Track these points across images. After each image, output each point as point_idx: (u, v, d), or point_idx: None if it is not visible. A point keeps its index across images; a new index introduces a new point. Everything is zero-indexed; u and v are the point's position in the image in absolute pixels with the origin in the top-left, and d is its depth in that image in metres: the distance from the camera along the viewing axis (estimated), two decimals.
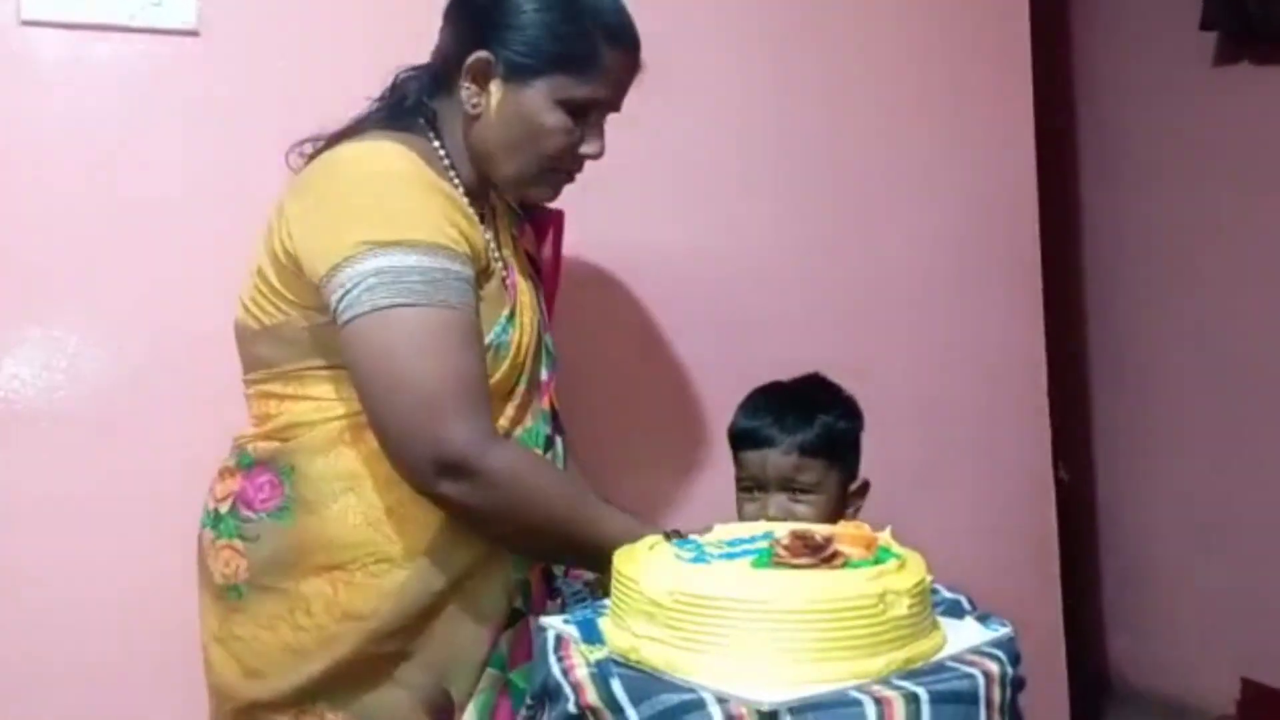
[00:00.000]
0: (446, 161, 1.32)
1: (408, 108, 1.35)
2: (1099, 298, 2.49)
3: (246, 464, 1.30)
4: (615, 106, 1.33)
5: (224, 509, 1.30)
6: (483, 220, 1.33)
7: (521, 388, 1.31)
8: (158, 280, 1.61)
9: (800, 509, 1.33)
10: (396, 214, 1.20)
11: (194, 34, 1.63)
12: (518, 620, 1.29)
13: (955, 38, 2.10)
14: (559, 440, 1.39)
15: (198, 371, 1.61)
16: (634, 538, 1.14)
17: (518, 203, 1.40)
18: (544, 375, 1.37)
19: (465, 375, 1.18)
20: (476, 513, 1.21)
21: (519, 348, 1.30)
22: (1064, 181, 2.47)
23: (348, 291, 1.16)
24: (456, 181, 1.31)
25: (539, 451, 1.31)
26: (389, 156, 1.24)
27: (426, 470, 1.17)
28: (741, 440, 1.39)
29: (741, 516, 1.34)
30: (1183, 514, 2.34)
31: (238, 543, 1.28)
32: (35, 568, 1.57)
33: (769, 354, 1.91)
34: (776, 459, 1.35)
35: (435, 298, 1.17)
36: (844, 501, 1.39)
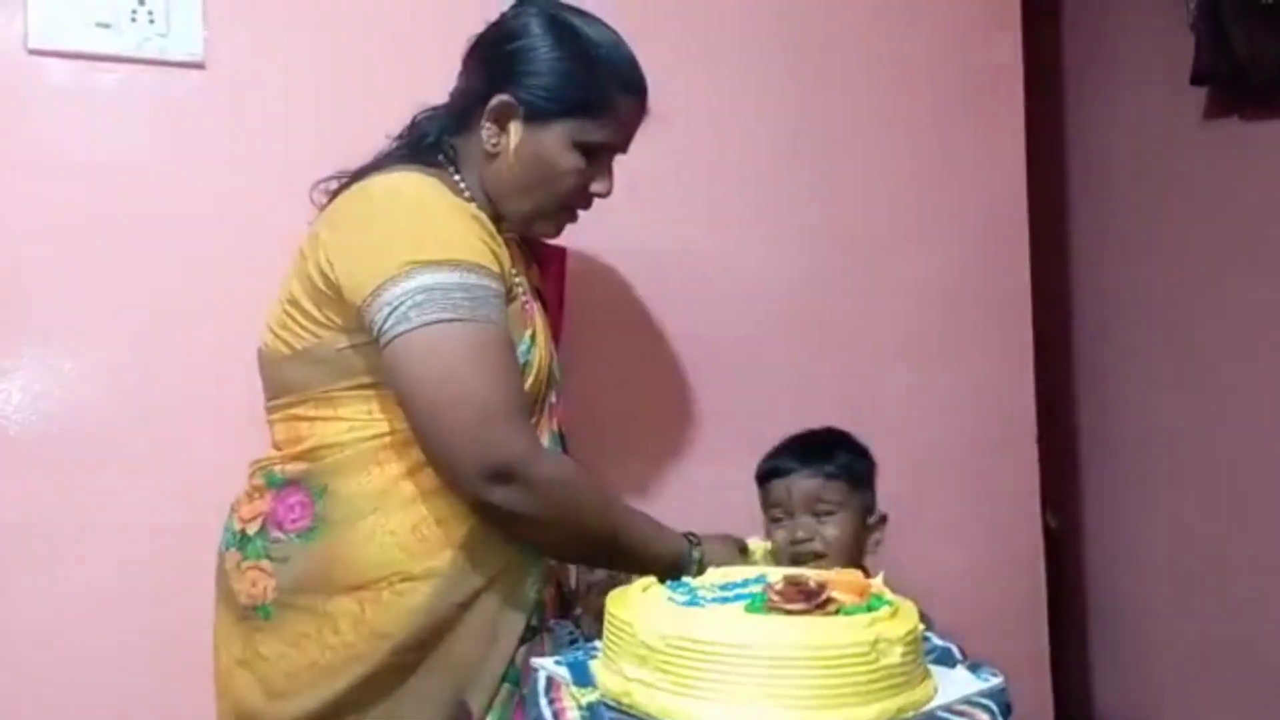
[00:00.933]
0: (467, 194, 1.39)
1: (428, 145, 1.42)
2: (1089, 345, 2.51)
3: (276, 484, 1.32)
4: (624, 149, 1.43)
5: (252, 530, 1.32)
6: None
7: (538, 408, 1.37)
8: (157, 307, 1.62)
9: (827, 528, 1.46)
10: (435, 235, 1.26)
11: (200, 66, 1.65)
12: (534, 637, 1.33)
13: (949, 89, 2.13)
14: None
15: (195, 397, 1.62)
16: (662, 544, 1.33)
17: (524, 235, 1.46)
18: (553, 399, 1.42)
19: (512, 387, 1.26)
20: (526, 518, 1.25)
21: (539, 369, 1.36)
22: (1055, 230, 2.49)
23: (395, 309, 1.21)
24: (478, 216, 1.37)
25: (577, 463, 1.37)
26: (420, 184, 1.32)
27: (478, 477, 1.22)
28: (768, 475, 1.53)
29: (772, 539, 1.48)
30: (1173, 561, 2.34)
31: (265, 563, 1.31)
32: (30, 592, 1.56)
33: (759, 395, 1.93)
34: (801, 482, 1.48)
35: (479, 313, 1.23)
36: (865, 530, 1.51)
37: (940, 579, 2.06)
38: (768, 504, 1.52)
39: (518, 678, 1.30)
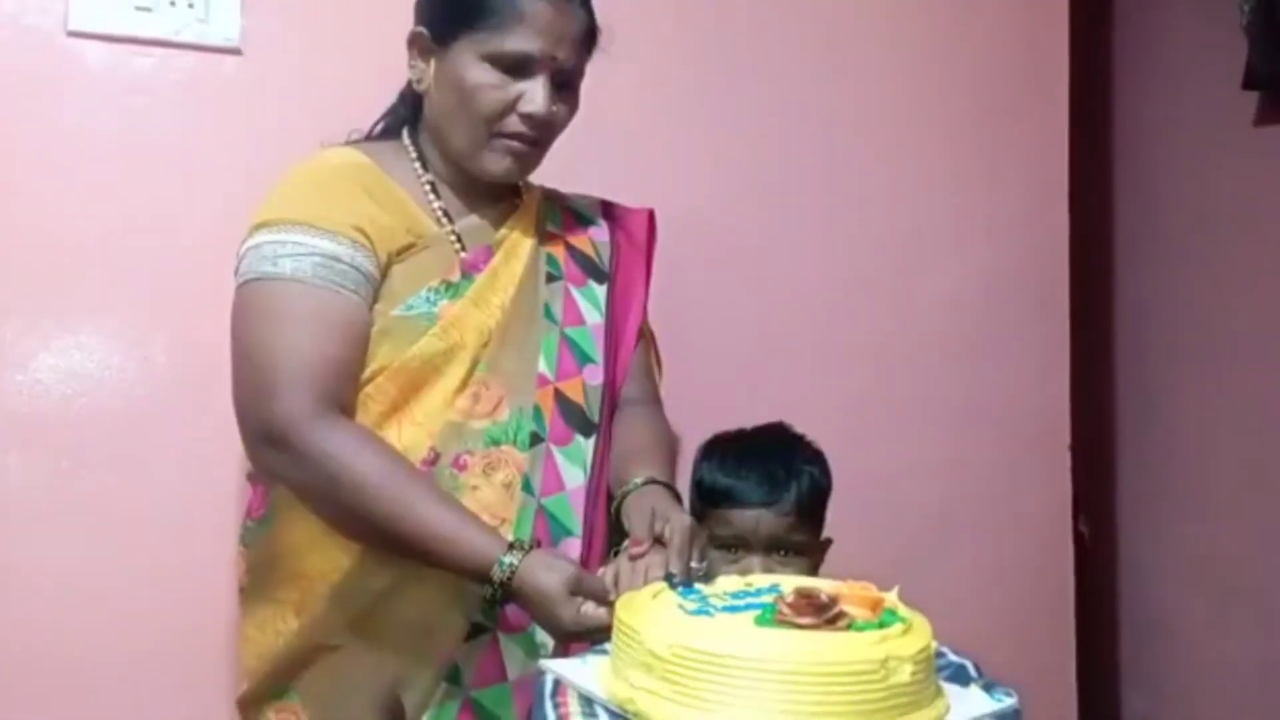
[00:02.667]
0: (415, 157, 1.36)
1: (401, 116, 1.42)
2: (1128, 352, 2.46)
3: (250, 473, 1.37)
4: (561, 63, 1.30)
5: (246, 517, 1.37)
6: (460, 206, 1.36)
7: (478, 374, 1.30)
8: (189, 291, 1.63)
9: (786, 571, 1.26)
10: (288, 199, 1.27)
11: (237, 52, 1.66)
12: (480, 635, 1.28)
13: (993, 89, 2.10)
14: (552, 445, 1.34)
15: (223, 381, 1.62)
16: (461, 541, 1.17)
17: (484, 179, 1.35)
18: (542, 368, 1.35)
19: (304, 350, 1.21)
20: (294, 488, 1.25)
21: (458, 323, 1.29)
22: (1098, 236, 2.45)
23: (236, 270, 1.27)
24: (424, 175, 1.35)
25: (378, 439, 1.25)
26: (321, 159, 1.33)
27: (251, 439, 1.23)
28: (723, 499, 1.32)
29: (712, 567, 1.23)
30: (1206, 573, 2.30)
31: (242, 549, 1.36)
32: (56, 572, 1.58)
33: (790, 393, 1.91)
34: (770, 519, 1.30)
35: (302, 272, 1.22)
36: (819, 562, 1.35)
37: (969, 584, 2.05)
38: (718, 530, 1.31)
39: (460, 677, 1.27)
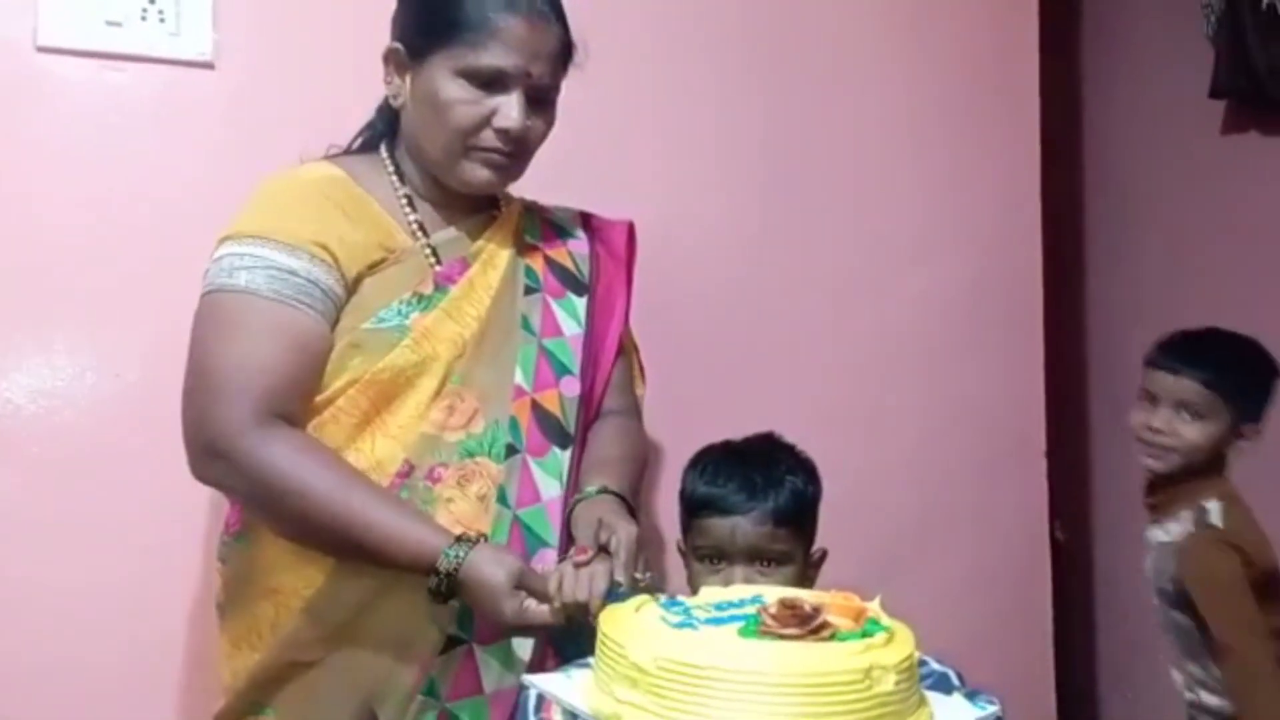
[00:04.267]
0: (392, 170, 1.37)
1: (379, 130, 1.42)
2: (1101, 358, 2.49)
3: None
4: (536, 79, 1.30)
5: (224, 532, 1.36)
6: (436, 219, 1.36)
7: (452, 386, 1.30)
8: (160, 307, 1.59)
9: (767, 582, 1.24)
10: (259, 214, 1.27)
11: (209, 66, 1.65)
12: (455, 647, 1.27)
13: (964, 99, 2.11)
14: (528, 457, 1.32)
15: None
16: (408, 535, 1.18)
17: (463, 191, 1.35)
18: (519, 380, 1.34)
19: (250, 361, 1.21)
20: (236, 498, 1.27)
21: (430, 335, 1.29)
22: (1070, 244, 2.47)
23: (203, 280, 1.27)
24: (400, 189, 1.35)
25: (318, 445, 1.25)
26: (294, 173, 1.34)
27: (191, 448, 1.23)
28: (703, 507, 1.31)
29: (698, 588, 1.24)
30: None
31: (219, 565, 1.36)
32: (28, 589, 1.56)
33: (768, 402, 1.92)
34: (747, 528, 1.27)
35: (256, 285, 1.22)
36: (807, 572, 1.33)
37: (947, 591, 2.05)
38: (699, 540, 1.30)
39: (436, 690, 1.26)
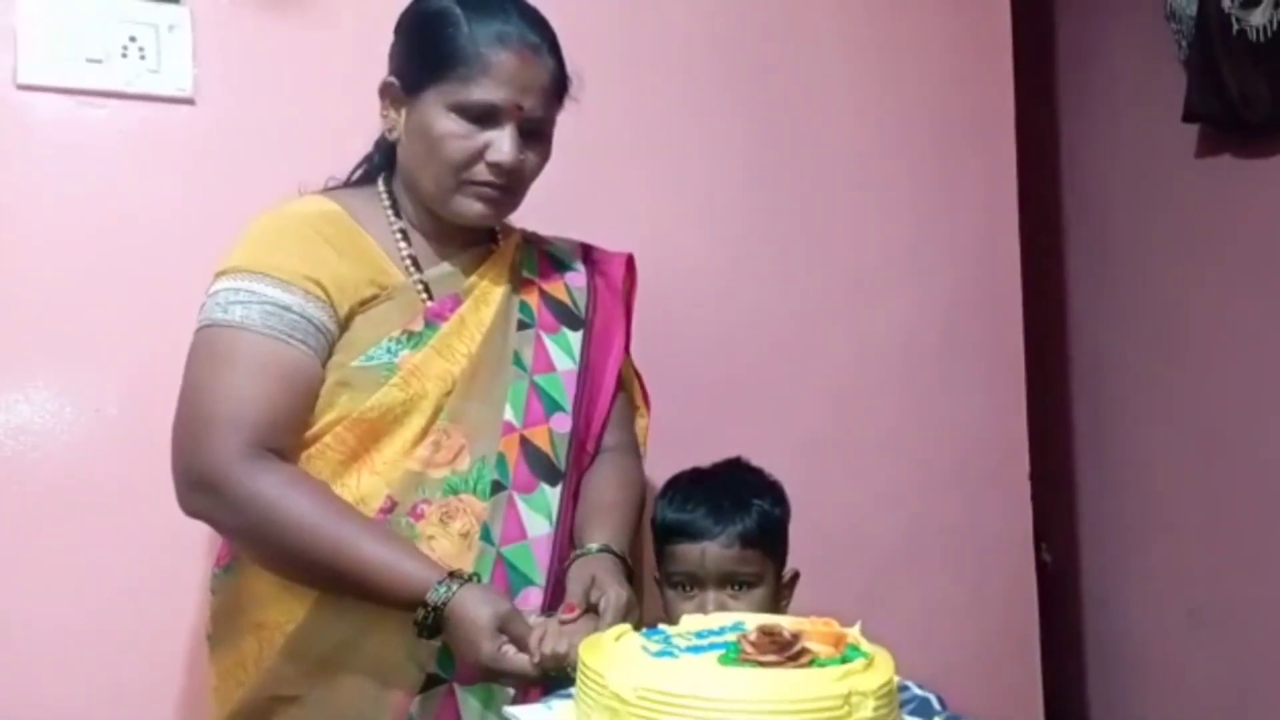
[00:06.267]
0: (388, 204, 1.37)
1: (377, 163, 1.43)
2: (1083, 379, 2.50)
3: None
4: (528, 112, 1.30)
5: (215, 565, 1.36)
6: (431, 253, 1.36)
7: (439, 423, 1.30)
8: (140, 343, 1.61)
9: (739, 605, 1.27)
10: (253, 248, 1.28)
11: (189, 101, 1.66)
12: (435, 686, 1.26)
13: (941, 122, 2.14)
14: (515, 494, 1.32)
15: None
16: (397, 569, 1.18)
17: (458, 224, 1.36)
18: (508, 416, 1.34)
19: (241, 396, 1.22)
20: (226, 532, 1.27)
21: (419, 373, 1.29)
22: (1050, 265, 2.49)
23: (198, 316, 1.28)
24: (396, 222, 1.36)
25: (307, 478, 1.24)
26: (288, 208, 1.33)
27: (180, 482, 1.23)
28: (673, 534, 1.33)
29: (674, 616, 1.24)
30: (1170, 598, 2.32)
31: (209, 596, 1.35)
32: (10, 626, 1.55)
33: (750, 428, 1.92)
34: (716, 552, 1.29)
35: (250, 320, 1.23)
36: (778, 594, 1.34)
37: (932, 615, 2.05)
38: (671, 567, 1.32)
39: None
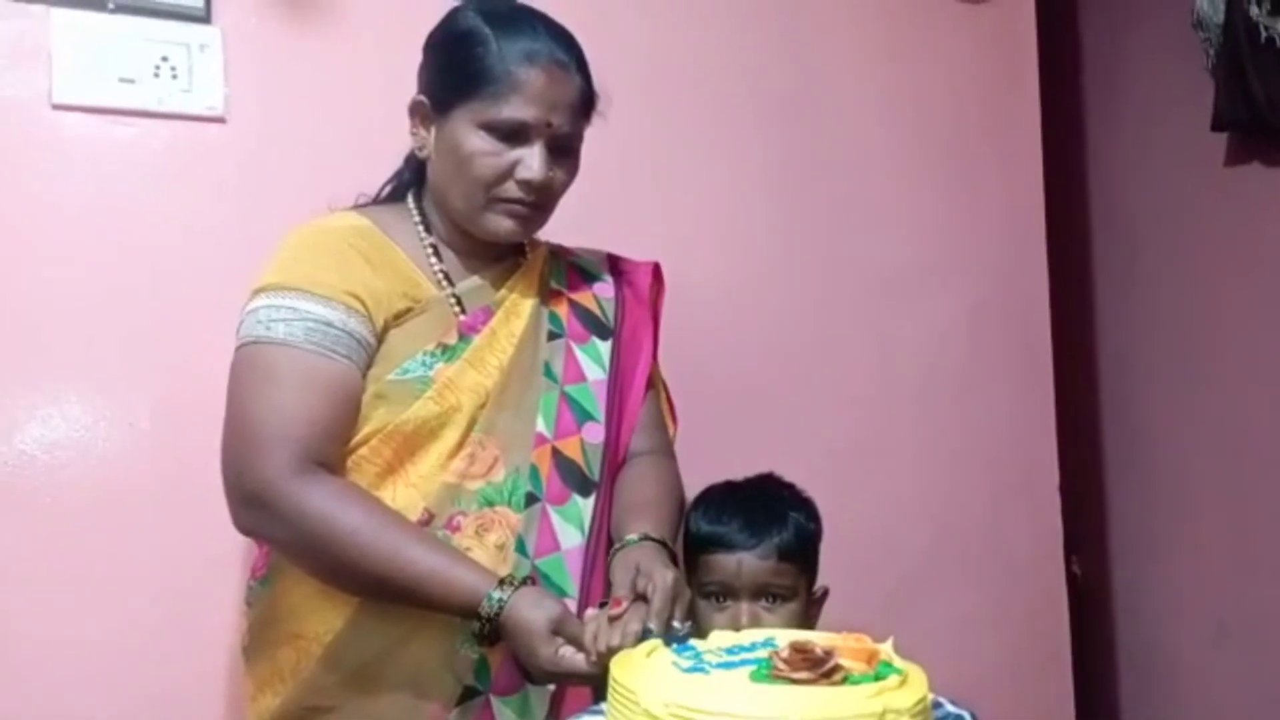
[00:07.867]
0: (418, 220, 1.38)
1: (406, 180, 1.44)
2: (1112, 390, 2.48)
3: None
4: (557, 129, 1.31)
5: (250, 577, 1.37)
6: (461, 268, 1.37)
7: (474, 435, 1.30)
8: (172, 358, 1.63)
9: (772, 618, 1.27)
10: (286, 264, 1.29)
11: (221, 120, 1.67)
12: (472, 698, 1.27)
13: (967, 129, 2.14)
14: (548, 505, 1.33)
15: (212, 448, 1.62)
16: (452, 580, 1.18)
17: (487, 240, 1.36)
18: (540, 427, 1.35)
19: (289, 412, 1.22)
20: (279, 547, 1.27)
21: (453, 386, 1.30)
22: (1078, 275, 2.48)
23: (237, 331, 1.28)
24: (426, 238, 1.37)
25: (359, 490, 1.25)
26: (324, 223, 1.35)
27: (233, 499, 1.24)
28: (708, 544, 1.32)
29: (706, 627, 1.23)
30: (1201, 609, 2.30)
31: (245, 609, 1.37)
32: (46, 643, 1.56)
33: (775, 439, 1.92)
34: (753, 563, 1.29)
35: (294, 337, 1.24)
36: (810, 610, 1.34)
37: (962, 629, 2.04)
38: (705, 578, 1.32)
39: None
